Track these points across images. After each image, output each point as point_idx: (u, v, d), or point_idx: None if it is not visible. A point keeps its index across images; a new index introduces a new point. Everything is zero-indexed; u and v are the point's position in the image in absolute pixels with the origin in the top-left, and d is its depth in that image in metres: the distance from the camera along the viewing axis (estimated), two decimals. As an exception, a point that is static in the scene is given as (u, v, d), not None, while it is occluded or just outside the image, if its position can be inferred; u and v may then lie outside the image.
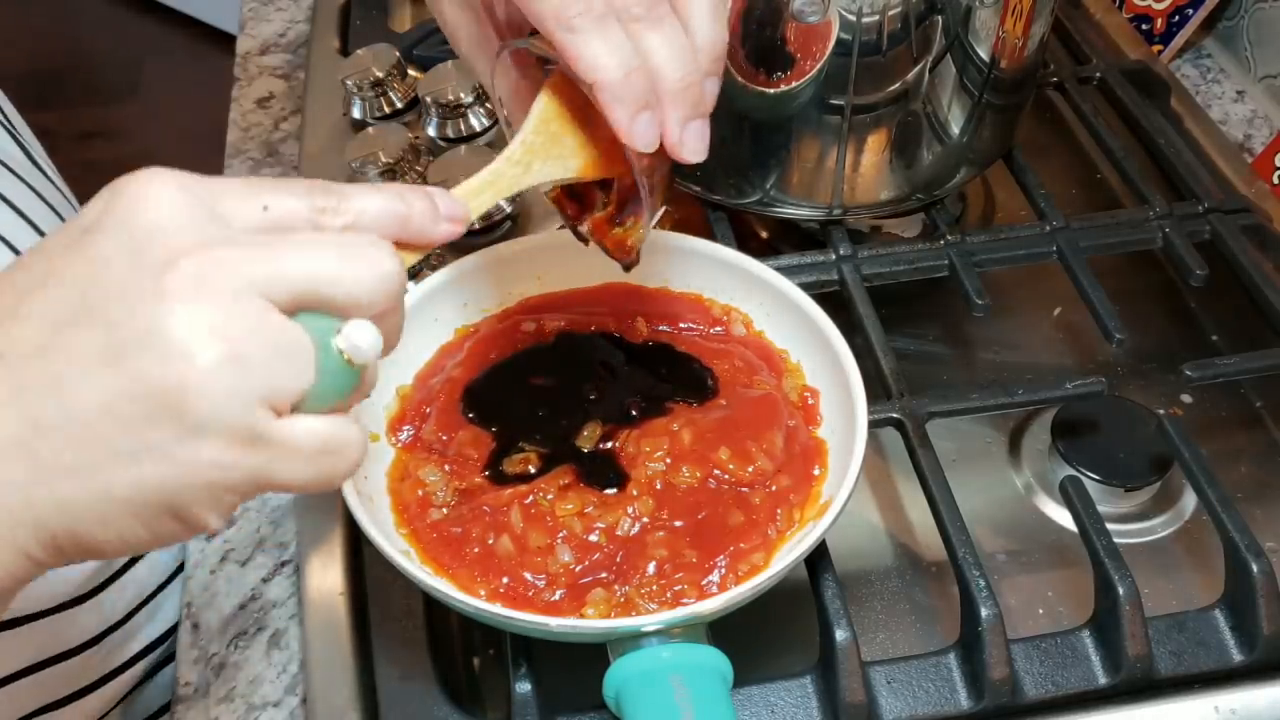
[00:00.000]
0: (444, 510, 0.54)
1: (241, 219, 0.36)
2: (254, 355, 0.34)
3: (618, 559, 0.52)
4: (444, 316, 0.62)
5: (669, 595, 0.51)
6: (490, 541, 0.52)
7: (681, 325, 0.62)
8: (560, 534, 0.52)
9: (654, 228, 0.54)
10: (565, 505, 0.53)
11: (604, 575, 0.51)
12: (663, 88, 0.46)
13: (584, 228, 0.55)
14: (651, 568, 0.51)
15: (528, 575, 0.51)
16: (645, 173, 0.49)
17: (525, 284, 0.64)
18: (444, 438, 0.57)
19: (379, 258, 0.36)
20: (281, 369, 0.34)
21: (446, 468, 0.56)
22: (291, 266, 0.35)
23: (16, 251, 0.61)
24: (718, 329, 0.62)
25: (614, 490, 0.54)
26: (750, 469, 0.54)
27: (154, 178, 0.35)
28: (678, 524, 0.53)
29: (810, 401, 0.59)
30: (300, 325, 0.35)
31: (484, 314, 0.63)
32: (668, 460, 0.54)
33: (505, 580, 0.51)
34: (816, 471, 0.56)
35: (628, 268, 0.55)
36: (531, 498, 0.53)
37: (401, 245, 0.39)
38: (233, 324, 0.33)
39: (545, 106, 0.50)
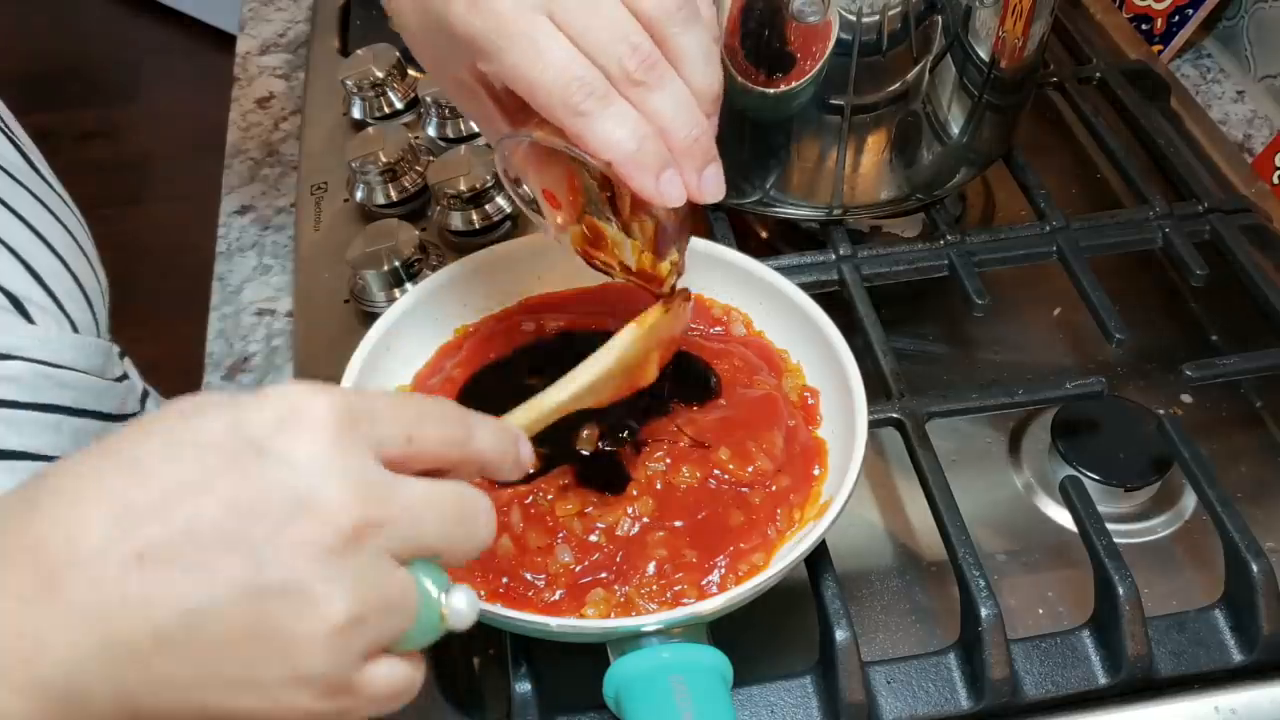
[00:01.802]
0: (444, 510, 0.54)
1: (389, 447, 0.38)
2: (371, 613, 0.36)
3: (618, 559, 0.52)
4: (443, 316, 0.62)
5: (669, 595, 0.51)
6: (490, 541, 0.52)
7: (681, 325, 0.62)
8: (560, 534, 0.52)
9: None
10: (565, 505, 0.53)
11: (604, 575, 0.51)
12: (674, 146, 0.47)
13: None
14: (651, 568, 0.51)
15: (528, 575, 0.51)
16: (670, 219, 0.50)
17: (525, 284, 0.64)
18: (444, 438, 0.57)
19: (487, 523, 0.41)
20: (390, 622, 0.37)
21: (446, 468, 0.56)
22: (421, 531, 0.38)
23: (12, 251, 0.60)
24: (718, 329, 0.62)
25: (614, 491, 0.54)
26: (750, 469, 0.54)
27: (326, 415, 0.36)
28: (678, 524, 0.53)
29: (810, 401, 0.59)
30: (413, 578, 0.38)
31: (484, 314, 0.63)
32: (668, 460, 0.54)
33: (505, 580, 0.51)
34: (816, 471, 0.56)
35: (658, 296, 0.55)
36: (531, 498, 0.53)
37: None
38: (362, 585, 0.36)
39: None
